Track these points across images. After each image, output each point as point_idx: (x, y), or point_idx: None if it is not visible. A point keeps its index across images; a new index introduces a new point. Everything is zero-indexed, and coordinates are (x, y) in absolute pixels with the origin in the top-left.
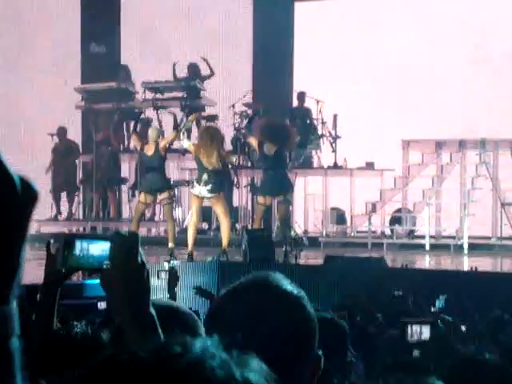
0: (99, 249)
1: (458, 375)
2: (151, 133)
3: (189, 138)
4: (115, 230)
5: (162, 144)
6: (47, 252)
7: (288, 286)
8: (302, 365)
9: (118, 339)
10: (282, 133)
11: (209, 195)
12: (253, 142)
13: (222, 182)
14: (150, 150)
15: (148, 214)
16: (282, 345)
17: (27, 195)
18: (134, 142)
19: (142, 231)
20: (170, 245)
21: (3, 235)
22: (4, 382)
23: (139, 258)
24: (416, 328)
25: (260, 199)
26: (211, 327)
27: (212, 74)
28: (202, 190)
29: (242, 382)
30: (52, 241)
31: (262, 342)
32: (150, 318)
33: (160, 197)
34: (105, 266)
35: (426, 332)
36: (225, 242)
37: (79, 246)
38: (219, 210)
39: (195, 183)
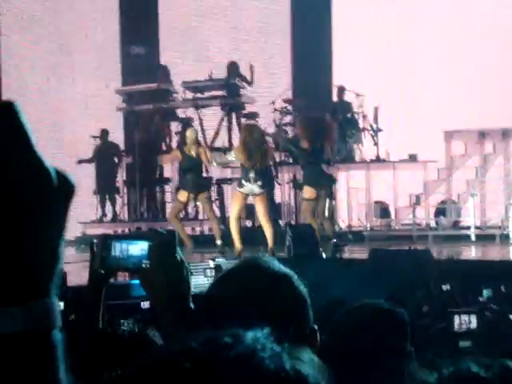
0: (137, 249)
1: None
2: (189, 134)
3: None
4: (153, 229)
5: (200, 152)
6: (91, 253)
7: (276, 266)
8: (297, 339)
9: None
10: (322, 128)
11: (259, 191)
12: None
13: (266, 180)
14: (189, 151)
15: (191, 213)
16: (274, 321)
17: (64, 188)
18: (174, 154)
19: (186, 230)
20: (219, 242)
21: (42, 228)
22: (46, 374)
23: (177, 256)
24: (464, 318)
25: (305, 193)
26: (206, 310)
27: (251, 83)
28: (253, 187)
29: (293, 373)
30: (95, 241)
31: (254, 321)
32: (191, 314)
33: (200, 196)
34: (143, 266)
35: (473, 322)
36: (270, 242)
37: (117, 247)
38: (262, 209)
39: (243, 181)
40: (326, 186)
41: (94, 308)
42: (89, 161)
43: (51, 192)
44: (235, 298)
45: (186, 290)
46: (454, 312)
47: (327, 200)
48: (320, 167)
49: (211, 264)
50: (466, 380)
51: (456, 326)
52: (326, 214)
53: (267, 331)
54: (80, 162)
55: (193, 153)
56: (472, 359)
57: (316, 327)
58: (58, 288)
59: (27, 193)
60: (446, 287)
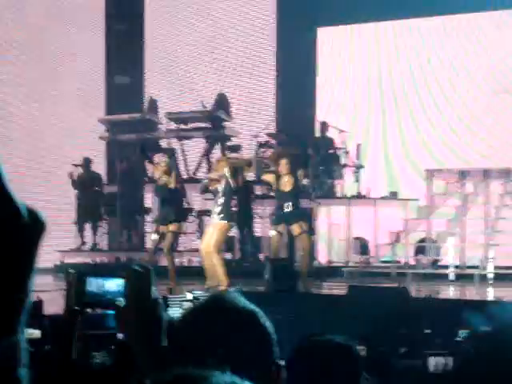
0: (113, 285)
1: None
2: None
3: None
4: (128, 266)
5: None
6: (67, 284)
7: (242, 302)
8: (264, 374)
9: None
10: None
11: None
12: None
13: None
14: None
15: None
16: (239, 358)
17: (35, 226)
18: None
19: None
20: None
21: (10, 266)
22: None
23: (152, 295)
24: (439, 360)
25: (279, 228)
26: (172, 345)
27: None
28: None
29: None
30: (72, 271)
31: (221, 358)
32: (163, 351)
33: (169, 228)
34: (117, 303)
35: (449, 363)
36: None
37: (92, 283)
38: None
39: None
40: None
41: (68, 341)
42: (73, 183)
43: (21, 229)
44: (200, 335)
45: (159, 326)
46: (429, 353)
47: (306, 236)
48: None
49: (188, 296)
50: None
51: (432, 368)
52: (302, 249)
53: (233, 377)
54: (70, 174)
55: (164, 183)
56: None
57: (282, 363)
58: (24, 324)
59: None
60: (427, 332)
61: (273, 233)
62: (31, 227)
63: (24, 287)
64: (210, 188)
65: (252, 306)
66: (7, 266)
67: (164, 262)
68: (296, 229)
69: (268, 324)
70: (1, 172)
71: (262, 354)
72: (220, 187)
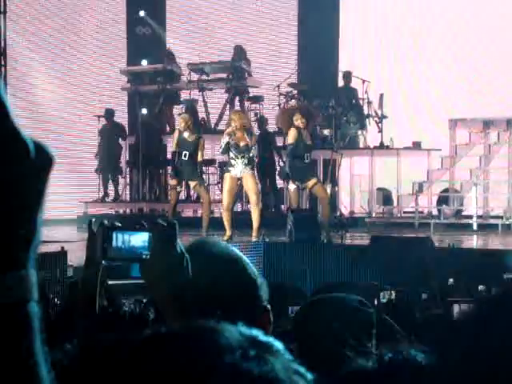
0: (138, 240)
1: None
2: (180, 120)
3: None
4: (154, 221)
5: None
6: (89, 232)
7: (223, 248)
8: (249, 318)
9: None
10: (309, 115)
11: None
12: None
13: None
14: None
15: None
16: (224, 302)
17: (41, 160)
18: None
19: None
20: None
21: (17, 201)
22: (21, 345)
23: (178, 247)
24: (463, 307)
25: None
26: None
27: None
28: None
29: (258, 377)
30: (93, 220)
31: (204, 303)
32: (187, 305)
33: (192, 182)
34: (144, 257)
35: None
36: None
37: (118, 238)
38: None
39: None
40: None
41: (92, 289)
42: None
43: (27, 163)
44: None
45: (186, 280)
46: (454, 301)
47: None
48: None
49: None
50: (403, 365)
51: (455, 315)
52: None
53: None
54: (97, 154)
55: (187, 138)
56: (410, 346)
57: (269, 307)
58: (35, 260)
59: (1, 162)
60: (451, 283)
61: (292, 187)
62: (38, 162)
63: (31, 223)
64: (231, 142)
65: (232, 251)
66: (13, 200)
67: (187, 213)
68: (309, 183)
69: (250, 268)
70: (7, 104)
71: (248, 298)
72: (243, 141)
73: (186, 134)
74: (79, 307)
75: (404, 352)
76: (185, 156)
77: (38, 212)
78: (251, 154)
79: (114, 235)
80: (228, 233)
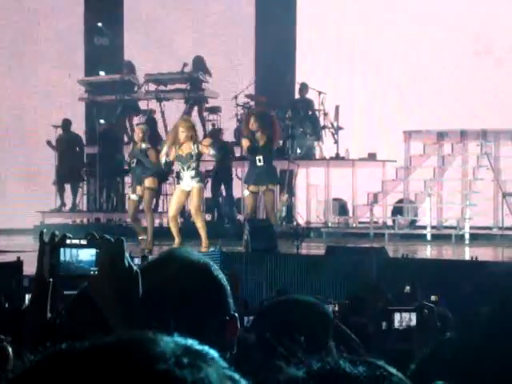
0: (86, 255)
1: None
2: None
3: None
4: (100, 237)
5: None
6: (40, 243)
7: (195, 256)
8: (217, 325)
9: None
10: (268, 122)
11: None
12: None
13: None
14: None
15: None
16: (193, 310)
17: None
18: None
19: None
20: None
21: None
22: None
23: (126, 263)
24: (404, 315)
25: (251, 188)
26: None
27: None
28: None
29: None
30: (45, 230)
31: (174, 311)
32: (140, 320)
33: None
34: (92, 273)
35: (413, 319)
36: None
37: (66, 254)
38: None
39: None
40: (272, 182)
41: (42, 302)
42: (55, 148)
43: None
44: (154, 289)
45: (134, 294)
46: (394, 310)
47: (271, 194)
48: (255, 164)
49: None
50: (332, 375)
51: (396, 324)
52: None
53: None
54: (48, 142)
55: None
56: (339, 356)
57: (236, 315)
58: None
59: None
60: (407, 291)
61: (246, 193)
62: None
63: None
64: (175, 155)
65: (203, 259)
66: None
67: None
68: (262, 188)
69: (221, 276)
70: None
71: (215, 304)
72: (190, 151)
73: (140, 145)
74: (27, 331)
75: (332, 362)
76: (133, 163)
77: None
78: (195, 164)
79: (62, 251)
80: (177, 240)
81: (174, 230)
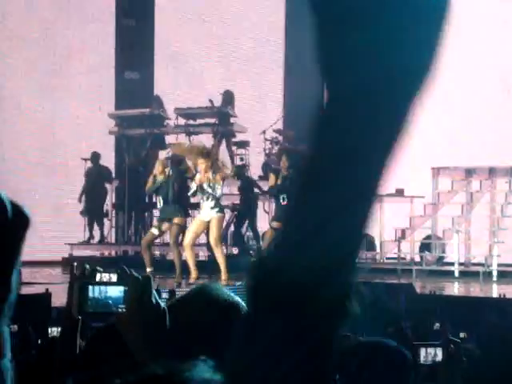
0: (114, 292)
1: None
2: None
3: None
4: (128, 274)
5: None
6: (71, 277)
7: (225, 294)
8: None
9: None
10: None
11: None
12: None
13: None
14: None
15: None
16: (222, 350)
17: (19, 220)
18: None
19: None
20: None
21: None
22: None
23: (153, 300)
24: (430, 351)
25: (274, 224)
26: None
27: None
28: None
29: None
30: (75, 264)
31: (203, 351)
32: (166, 356)
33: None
34: (119, 310)
35: (439, 354)
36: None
37: (94, 291)
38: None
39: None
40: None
41: (71, 338)
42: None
43: (5, 224)
44: (183, 327)
45: (161, 331)
46: (421, 344)
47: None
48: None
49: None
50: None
51: (422, 359)
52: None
53: (204, 363)
54: (80, 197)
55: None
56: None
57: None
58: (8, 318)
59: None
60: (437, 327)
61: (270, 227)
62: (15, 222)
63: (7, 281)
64: (196, 185)
65: (234, 298)
66: None
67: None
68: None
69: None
70: None
71: None
72: (206, 183)
73: (159, 178)
74: (57, 364)
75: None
76: (160, 201)
77: (15, 270)
78: (217, 194)
79: (91, 288)
80: (193, 274)
81: (191, 262)
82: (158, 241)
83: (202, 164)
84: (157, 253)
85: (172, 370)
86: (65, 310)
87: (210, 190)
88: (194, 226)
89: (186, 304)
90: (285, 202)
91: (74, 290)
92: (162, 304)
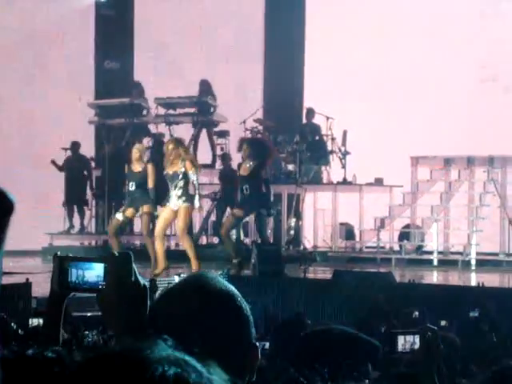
0: (94, 270)
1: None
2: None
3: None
4: (107, 252)
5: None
6: (54, 264)
7: (220, 283)
8: (240, 354)
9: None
10: (266, 148)
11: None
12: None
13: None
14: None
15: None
16: (218, 338)
17: (2, 206)
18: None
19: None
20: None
21: None
22: None
23: (133, 277)
24: (408, 338)
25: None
26: (152, 328)
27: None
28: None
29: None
30: (59, 252)
31: (198, 339)
32: (147, 333)
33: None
34: (100, 287)
35: (417, 342)
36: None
37: (73, 270)
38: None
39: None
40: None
41: (54, 321)
42: (60, 168)
43: None
44: (175, 315)
45: (142, 308)
46: (397, 333)
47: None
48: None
49: (176, 280)
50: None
51: (400, 347)
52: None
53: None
54: (53, 162)
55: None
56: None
57: (257, 344)
58: None
59: None
60: (415, 315)
61: (232, 214)
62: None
63: None
64: (166, 173)
65: (229, 287)
66: None
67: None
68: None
69: (245, 305)
70: None
71: (238, 334)
72: (177, 170)
73: (133, 165)
74: (41, 339)
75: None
76: (131, 186)
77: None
78: (182, 183)
79: (70, 267)
80: (161, 265)
81: (160, 252)
82: (137, 230)
83: (176, 154)
84: (137, 243)
85: (130, 348)
86: (50, 292)
87: (179, 181)
88: (162, 216)
89: (179, 291)
90: (247, 192)
91: (53, 267)
92: (143, 281)
